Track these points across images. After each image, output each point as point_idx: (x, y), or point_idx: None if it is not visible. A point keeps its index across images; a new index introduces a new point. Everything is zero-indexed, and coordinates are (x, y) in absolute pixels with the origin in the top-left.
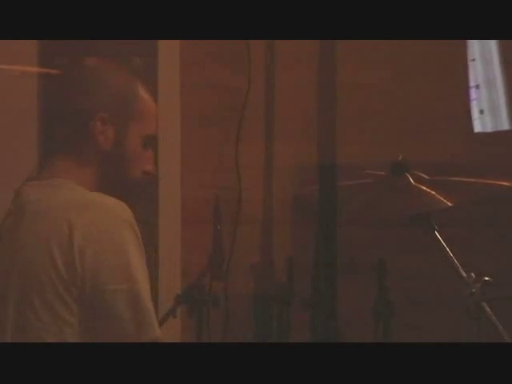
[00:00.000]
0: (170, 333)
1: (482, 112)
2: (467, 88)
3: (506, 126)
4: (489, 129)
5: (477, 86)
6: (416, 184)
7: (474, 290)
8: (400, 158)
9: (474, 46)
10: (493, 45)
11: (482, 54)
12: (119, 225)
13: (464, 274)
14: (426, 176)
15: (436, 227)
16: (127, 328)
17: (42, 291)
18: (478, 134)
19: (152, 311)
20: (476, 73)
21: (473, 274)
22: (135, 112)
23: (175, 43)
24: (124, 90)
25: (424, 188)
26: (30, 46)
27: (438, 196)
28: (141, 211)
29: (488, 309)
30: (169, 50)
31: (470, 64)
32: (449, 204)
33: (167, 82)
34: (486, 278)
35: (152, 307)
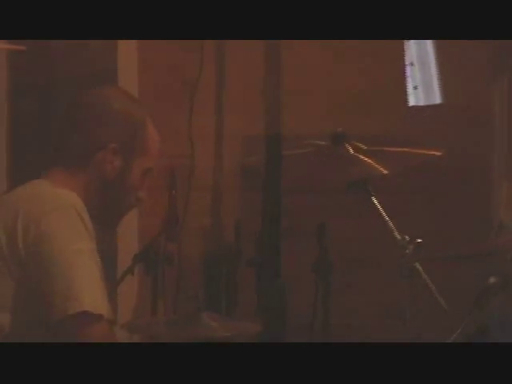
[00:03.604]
0: (127, 289)
1: (415, 87)
2: (403, 65)
3: (437, 100)
4: (421, 103)
5: (411, 64)
6: (354, 153)
7: (407, 251)
8: (340, 129)
9: None
10: None
11: None
12: (49, 210)
13: (398, 237)
14: (363, 146)
15: (372, 193)
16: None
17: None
18: (412, 107)
19: (74, 286)
20: (410, 51)
21: (407, 237)
22: (142, 147)
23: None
24: (136, 125)
25: (361, 157)
26: None
27: (375, 164)
28: None
29: (421, 268)
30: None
31: (405, 43)
32: (384, 172)
33: (126, 61)
34: (419, 240)
35: (80, 282)
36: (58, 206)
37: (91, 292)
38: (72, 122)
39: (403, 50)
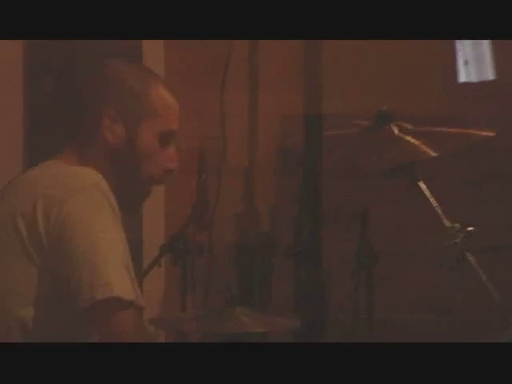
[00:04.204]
0: (154, 281)
1: (466, 62)
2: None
3: (490, 76)
4: (473, 79)
5: None
6: (400, 134)
7: (457, 240)
8: (385, 107)
9: None
10: None
11: None
12: (70, 192)
13: (448, 224)
14: (410, 126)
15: (420, 177)
16: (77, 286)
17: (8, 248)
18: (463, 84)
19: (104, 271)
20: None
21: (457, 225)
22: (147, 109)
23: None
24: (134, 87)
25: (408, 138)
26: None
27: (422, 146)
28: None
29: (472, 258)
30: None
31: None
32: (433, 154)
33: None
34: (470, 228)
35: (107, 267)
36: (80, 187)
37: (120, 277)
38: (73, 98)
39: None
